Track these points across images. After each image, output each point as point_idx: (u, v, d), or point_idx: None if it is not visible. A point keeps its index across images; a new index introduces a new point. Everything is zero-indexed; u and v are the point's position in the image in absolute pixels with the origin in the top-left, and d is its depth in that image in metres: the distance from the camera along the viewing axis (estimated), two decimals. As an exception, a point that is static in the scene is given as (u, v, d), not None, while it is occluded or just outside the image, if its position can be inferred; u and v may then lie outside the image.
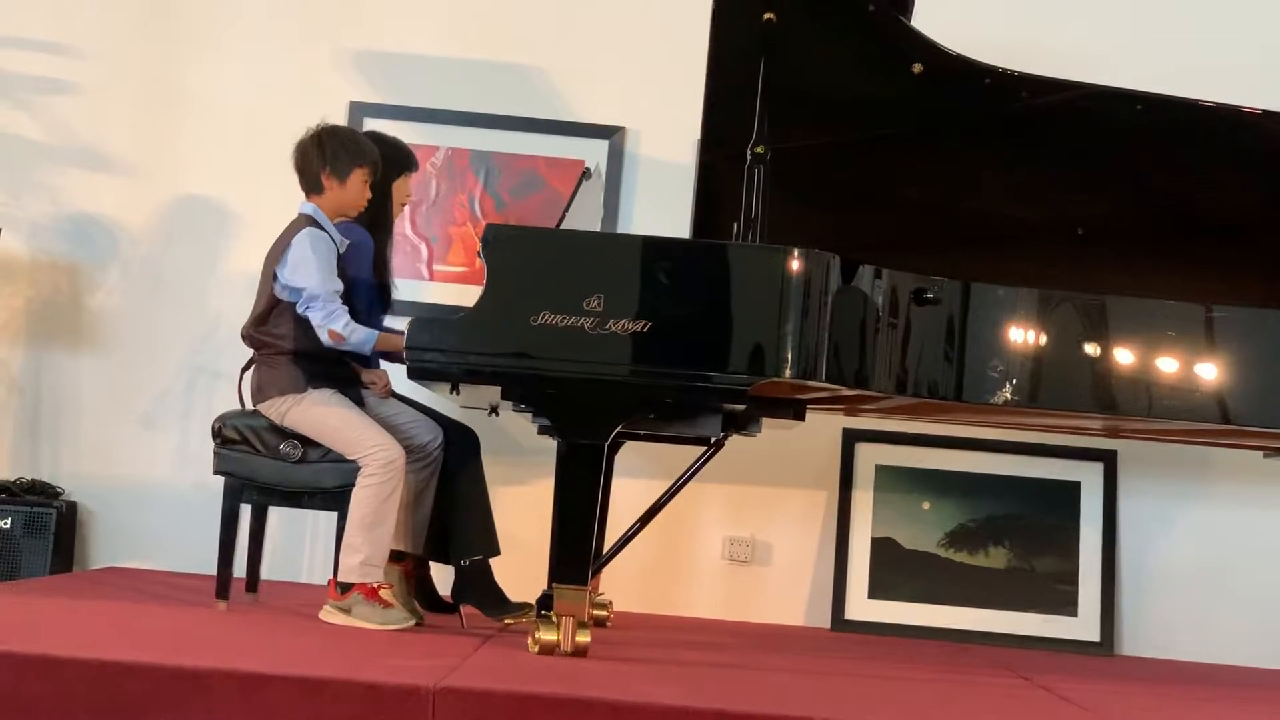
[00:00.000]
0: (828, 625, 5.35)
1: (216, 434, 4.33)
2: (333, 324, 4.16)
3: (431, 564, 4.46)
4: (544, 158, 5.51)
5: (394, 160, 4.55)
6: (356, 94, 5.53)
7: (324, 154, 4.31)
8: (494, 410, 4.46)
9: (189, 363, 5.47)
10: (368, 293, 4.46)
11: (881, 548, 5.40)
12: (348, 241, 4.38)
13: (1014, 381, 3.98)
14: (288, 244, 4.23)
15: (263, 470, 4.29)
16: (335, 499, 4.25)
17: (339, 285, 4.22)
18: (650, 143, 5.51)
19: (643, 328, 3.71)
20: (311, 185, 4.34)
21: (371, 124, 5.29)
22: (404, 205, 4.68)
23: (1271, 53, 5.47)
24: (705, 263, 3.78)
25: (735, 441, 4.17)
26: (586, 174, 4.69)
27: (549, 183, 5.49)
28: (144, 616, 4.03)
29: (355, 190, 4.33)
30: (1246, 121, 4.43)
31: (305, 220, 4.29)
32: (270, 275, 4.25)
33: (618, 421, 3.80)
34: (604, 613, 4.69)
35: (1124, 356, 4.04)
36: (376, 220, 4.50)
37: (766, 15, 4.19)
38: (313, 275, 4.17)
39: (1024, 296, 4.01)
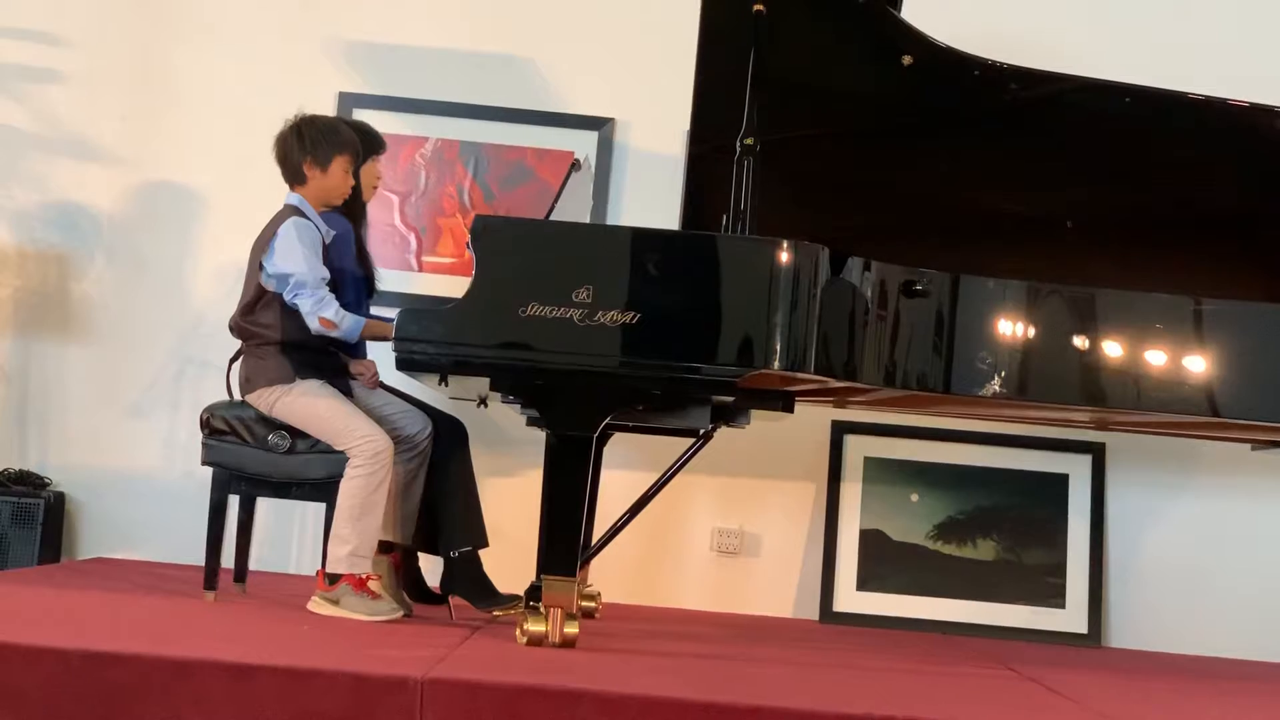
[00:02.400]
0: (816, 617, 5.35)
1: (205, 424, 4.32)
2: (323, 311, 4.16)
3: (420, 555, 4.46)
4: (533, 149, 5.50)
5: (362, 144, 4.53)
6: (346, 84, 5.52)
7: (304, 143, 4.30)
8: (483, 401, 4.46)
9: (177, 353, 5.46)
10: (352, 282, 4.46)
11: (870, 539, 5.41)
12: (334, 232, 4.38)
13: (1003, 374, 3.99)
14: (274, 234, 4.23)
15: (251, 461, 4.28)
16: (323, 490, 4.24)
17: (326, 273, 4.22)
18: (639, 134, 5.51)
19: (632, 319, 3.71)
20: (294, 176, 4.33)
21: (360, 115, 5.27)
22: (375, 189, 4.68)
23: (1262, 42, 5.47)
24: (694, 254, 3.78)
25: (724, 433, 4.17)
26: (576, 165, 4.69)
27: (538, 174, 5.49)
28: (131, 607, 4.02)
29: (338, 178, 4.33)
30: (1234, 114, 4.43)
31: (290, 210, 4.29)
32: (257, 265, 4.25)
33: (607, 413, 3.80)
34: (592, 604, 4.69)
35: (1112, 349, 4.04)
36: (349, 208, 4.49)
37: (756, 6, 4.19)
38: (299, 262, 4.17)
39: (1013, 289, 4.01)
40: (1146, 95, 4.41)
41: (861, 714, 3.04)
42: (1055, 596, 5.35)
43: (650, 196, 5.40)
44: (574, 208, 4.67)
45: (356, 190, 4.52)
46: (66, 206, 5.50)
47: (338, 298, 4.25)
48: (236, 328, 4.33)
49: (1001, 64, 4.39)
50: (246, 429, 4.28)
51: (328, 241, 4.32)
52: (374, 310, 4.55)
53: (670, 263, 3.77)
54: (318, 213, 4.34)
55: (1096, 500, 5.43)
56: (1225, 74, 5.02)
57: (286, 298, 4.20)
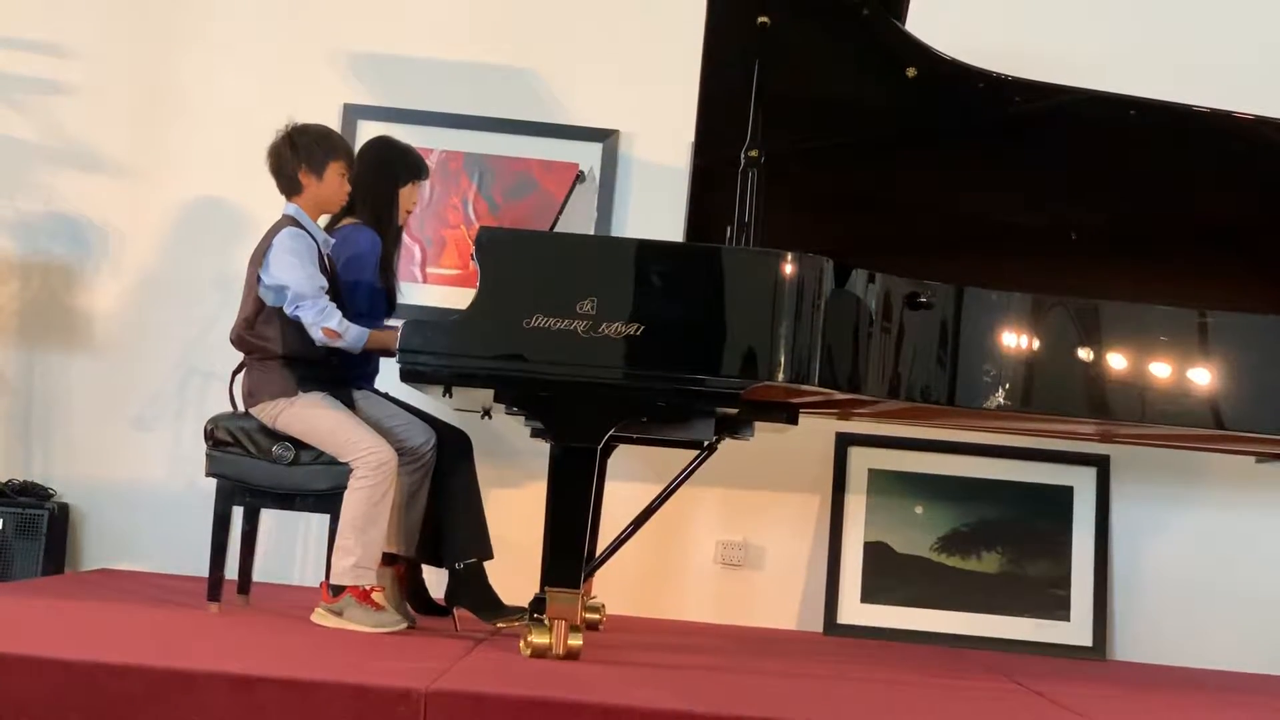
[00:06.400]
0: (820, 629, 5.35)
1: (209, 436, 4.32)
2: (326, 321, 4.16)
3: (424, 566, 4.46)
4: (538, 160, 5.50)
5: (406, 166, 4.56)
6: (351, 96, 5.53)
7: (297, 152, 4.30)
8: (487, 413, 4.46)
9: (181, 363, 5.46)
10: (370, 295, 4.46)
11: (874, 552, 5.40)
12: (332, 241, 4.38)
13: (1007, 386, 3.99)
14: (269, 245, 4.23)
15: (255, 472, 4.28)
16: (327, 501, 4.24)
17: (323, 281, 4.21)
18: (644, 146, 5.51)
19: (636, 331, 3.71)
20: (290, 186, 4.33)
21: (366, 126, 5.29)
22: (410, 213, 4.68)
23: (1267, 55, 5.47)
24: (698, 266, 3.78)
25: (728, 445, 4.17)
26: (580, 177, 4.69)
27: (543, 186, 5.49)
28: (135, 618, 4.02)
29: (333, 184, 4.33)
30: (1239, 127, 4.43)
31: (287, 221, 4.29)
32: (254, 278, 4.25)
33: (610, 425, 3.80)
34: (596, 616, 4.69)
35: (1117, 361, 4.04)
36: (383, 224, 4.50)
37: (761, 19, 4.20)
38: (296, 273, 4.17)
39: (1017, 301, 4.01)
40: (1151, 107, 4.41)
41: (866, 727, 3.04)
42: (1060, 609, 5.34)
43: (654, 208, 5.40)
44: (578, 219, 4.67)
45: (393, 209, 4.52)
46: (71, 217, 5.51)
47: (350, 308, 4.25)
48: (238, 341, 4.33)
49: (1005, 76, 4.39)
50: (251, 440, 4.28)
51: (325, 250, 4.33)
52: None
53: (674, 275, 3.77)
54: (316, 221, 4.35)
55: (1101, 513, 5.42)
56: (1233, 85, 5.03)
57: (288, 311, 4.19)
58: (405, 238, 5.44)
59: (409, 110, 5.50)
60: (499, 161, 5.51)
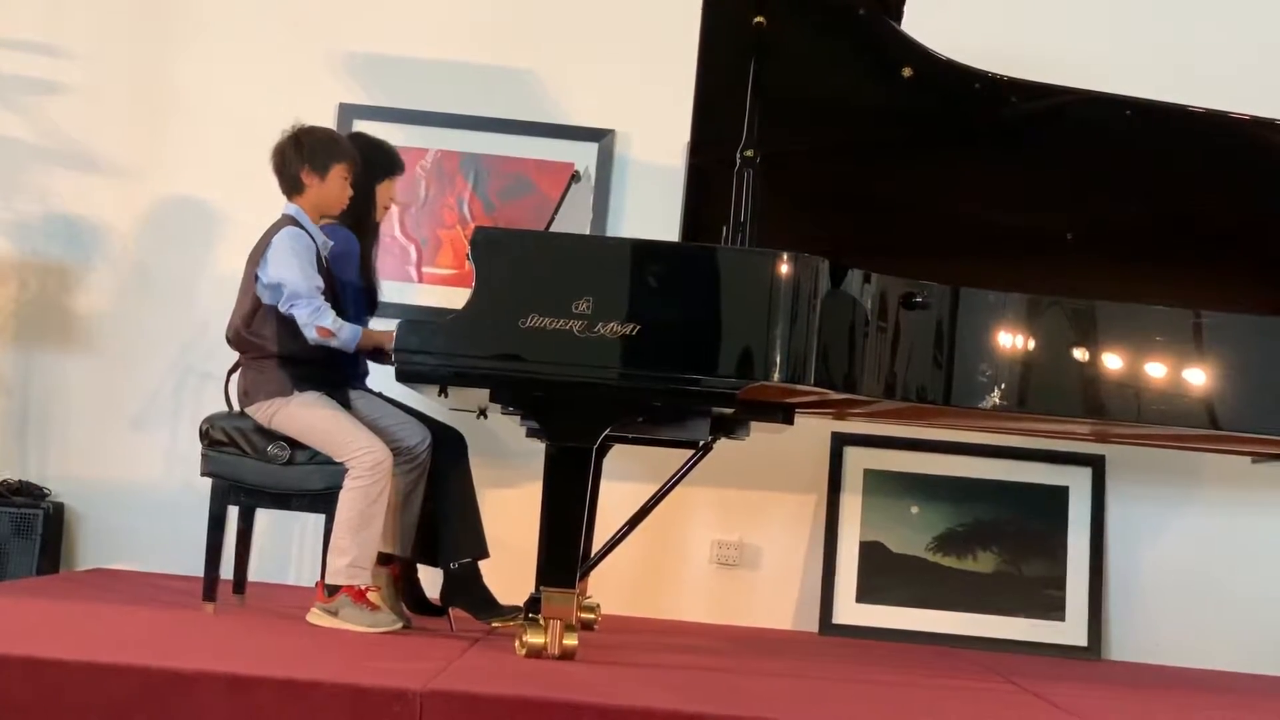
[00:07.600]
0: (816, 629, 5.35)
1: (204, 436, 4.32)
2: (320, 320, 4.15)
3: (419, 566, 4.45)
4: (533, 160, 5.50)
5: (379, 163, 4.55)
6: (346, 96, 5.53)
7: (302, 152, 4.30)
8: (482, 413, 4.46)
9: (177, 364, 5.46)
10: (354, 295, 4.46)
11: (870, 552, 5.41)
12: (331, 242, 4.38)
13: (1003, 386, 3.99)
14: (267, 244, 4.23)
15: (250, 472, 4.28)
16: (323, 501, 4.24)
17: (320, 282, 4.21)
18: (640, 146, 5.51)
19: (631, 331, 3.71)
20: (292, 186, 4.33)
21: (361, 126, 5.28)
22: (387, 209, 4.67)
23: (1267, 56, 5.47)
24: (694, 266, 3.78)
25: (724, 445, 4.17)
26: (576, 177, 4.69)
27: (538, 185, 5.49)
28: (130, 618, 4.02)
29: (336, 187, 4.33)
30: (1235, 127, 4.43)
31: (287, 220, 4.29)
32: (252, 276, 4.25)
33: (606, 424, 3.80)
34: (592, 616, 4.69)
35: (1112, 361, 4.04)
36: (361, 223, 4.50)
37: (756, 19, 4.19)
38: (293, 272, 4.17)
39: (1013, 301, 4.01)
40: (1147, 108, 4.41)
41: (861, 727, 3.04)
42: (1055, 609, 5.34)
43: (650, 208, 5.40)
44: (574, 219, 4.67)
45: (370, 206, 4.52)
46: (68, 218, 5.50)
47: (336, 310, 4.25)
48: (234, 339, 4.33)
49: (1001, 76, 4.39)
50: (246, 440, 4.28)
51: (324, 252, 4.32)
52: (373, 323, 4.55)
53: (670, 274, 3.77)
54: (316, 222, 4.34)
55: (1096, 513, 5.42)
56: (1232, 86, 5.03)
57: (282, 308, 4.19)
58: (400, 237, 5.45)
59: (404, 110, 5.50)
60: (494, 161, 5.51)
